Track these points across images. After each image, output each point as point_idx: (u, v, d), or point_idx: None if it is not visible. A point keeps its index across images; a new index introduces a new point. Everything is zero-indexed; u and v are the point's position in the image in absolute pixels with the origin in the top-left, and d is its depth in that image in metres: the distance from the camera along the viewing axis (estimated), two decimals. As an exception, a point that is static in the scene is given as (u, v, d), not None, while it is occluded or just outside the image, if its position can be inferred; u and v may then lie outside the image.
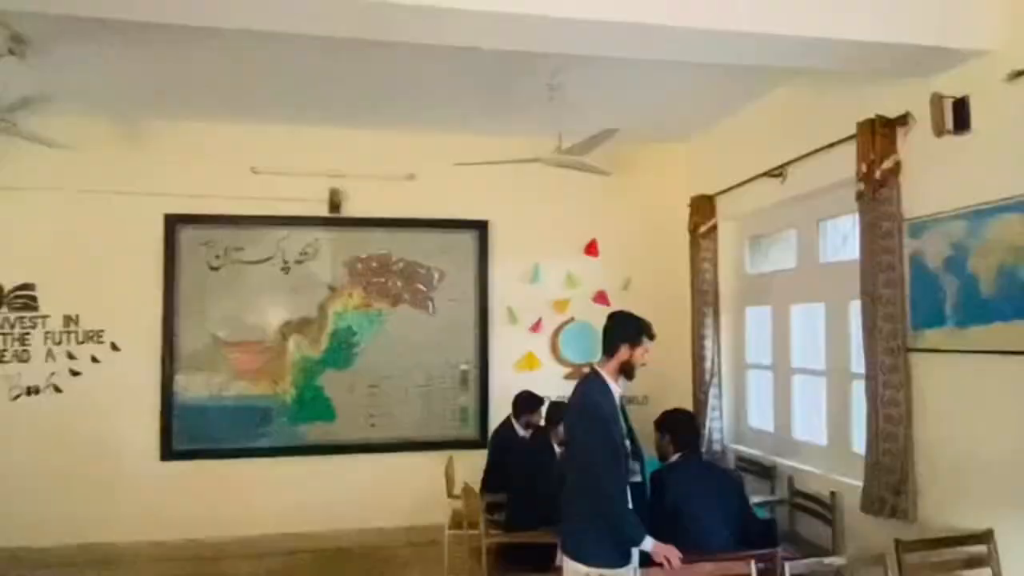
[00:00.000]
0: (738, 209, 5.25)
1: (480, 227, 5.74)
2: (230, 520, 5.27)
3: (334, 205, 5.47)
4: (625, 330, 2.99)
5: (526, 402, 4.83)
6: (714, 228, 5.40)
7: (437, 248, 5.69)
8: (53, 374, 5.12)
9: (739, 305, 5.44)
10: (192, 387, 5.30)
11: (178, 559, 5.13)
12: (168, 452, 5.23)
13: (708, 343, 5.34)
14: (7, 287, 5.10)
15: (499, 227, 5.79)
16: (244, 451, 5.33)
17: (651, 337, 3.03)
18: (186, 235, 5.34)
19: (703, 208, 5.42)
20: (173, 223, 5.30)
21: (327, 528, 5.39)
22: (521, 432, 4.77)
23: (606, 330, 3.04)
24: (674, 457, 3.33)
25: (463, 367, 5.70)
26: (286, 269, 5.47)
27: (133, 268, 5.25)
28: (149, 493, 5.19)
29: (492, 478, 4.73)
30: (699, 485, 3.19)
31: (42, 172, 5.03)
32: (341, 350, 5.52)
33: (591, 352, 5.86)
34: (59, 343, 5.13)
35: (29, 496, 5.01)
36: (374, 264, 5.60)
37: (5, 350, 5.07)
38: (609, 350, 2.99)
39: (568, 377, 5.80)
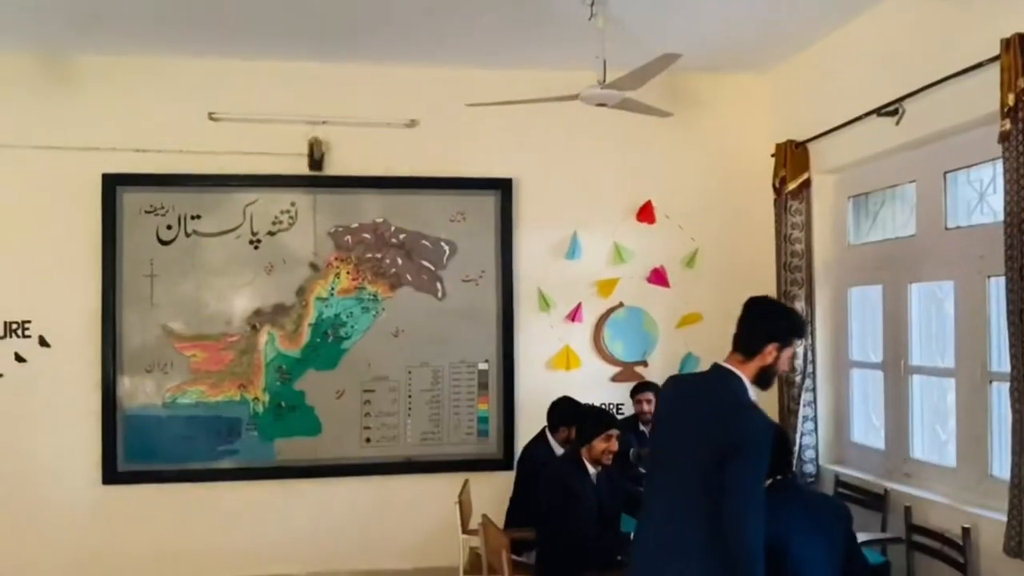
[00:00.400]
0: (838, 159, 5.07)
1: (502, 187, 5.63)
2: (189, 559, 5.27)
3: (315, 160, 5.39)
4: (777, 325, 2.84)
5: (564, 412, 4.74)
6: (807, 184, 5.25)
7: (447, 215, 5.59)
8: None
9: (840, 285, 5.28)
10: (140, 393, 5.29)
11: (126, 608, 5.17)
12: (111, 474, 5.23)
13: (798, 334, 5.19)
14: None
15: (527, 187, 5.68)
16: (205, 473, 5.31)
17: (802, 338, 2.90)
18: (129, 200, 5.30)
19: (792, 159, 5.26)
20: (112, 185, 5.26)
21: (310, 570, 5.38)
22: (558, 450, 4.69)
23: (747, 321, 2.88)
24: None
25: (482, 366, 5.62)
26: (256, 243, 5.41)
27: (64, 243, 5.22)
28: (88, 525, 5.20)
29: (519, 508, 4.66)
30: (799, 520, 3.03)
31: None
32: (326, 346, 5.47)
33: (645, 346, 5.83)
34: (-26, 339, 5.15)
35: (-60, 529, 5.06)
36: (367, 236, 5.52)
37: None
38: (750, 347, 2.83)
39: (617, 379, 5.70)
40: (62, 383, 5.21)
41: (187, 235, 5.35)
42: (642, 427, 5.25)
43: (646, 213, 5.76)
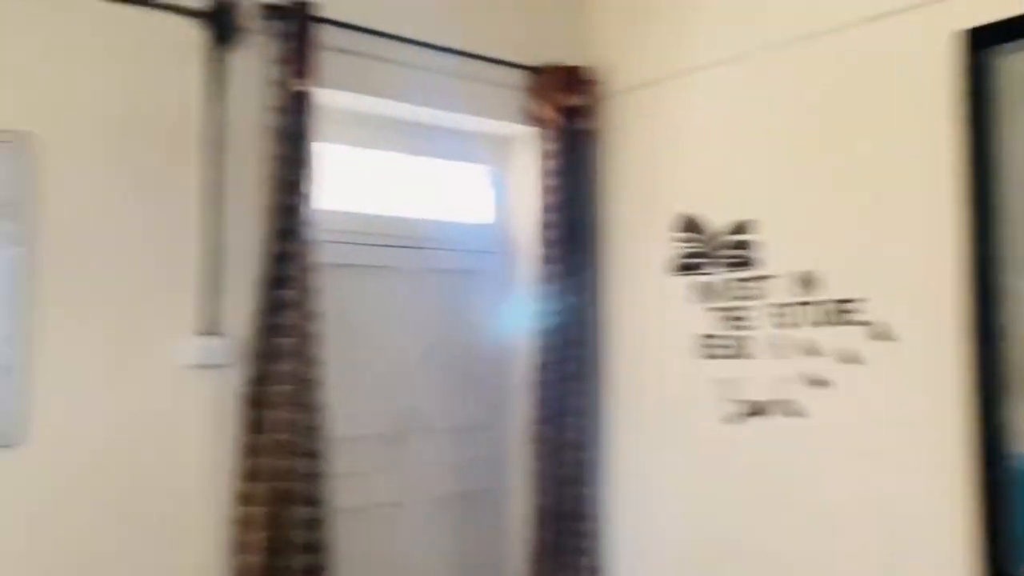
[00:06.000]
0: None
1: None
2: None
3: None
4: None
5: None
6: None
7: None
8: (783, 382, 3.55)
9: None
10: (1041, 432, 2.82)
11: None
12: (995, 579, 2.89)
13: None
14: (718, 226, 3.83)
15: None
16: None
17: None
18: (1009, 70, 2.92)
19: None
20: (977, 46, 2.97)
21: None
22: None
23: None
24: None
25: None
26: None
27: (896, 159, 3.19)
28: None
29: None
30: None
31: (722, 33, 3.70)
32: None
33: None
34: (792, 325, 3.53)
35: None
36: None
37: (718, 336, 3.80)
38: None
39: None
40: (909, 403, 3.14)
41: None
42: None
43: None
